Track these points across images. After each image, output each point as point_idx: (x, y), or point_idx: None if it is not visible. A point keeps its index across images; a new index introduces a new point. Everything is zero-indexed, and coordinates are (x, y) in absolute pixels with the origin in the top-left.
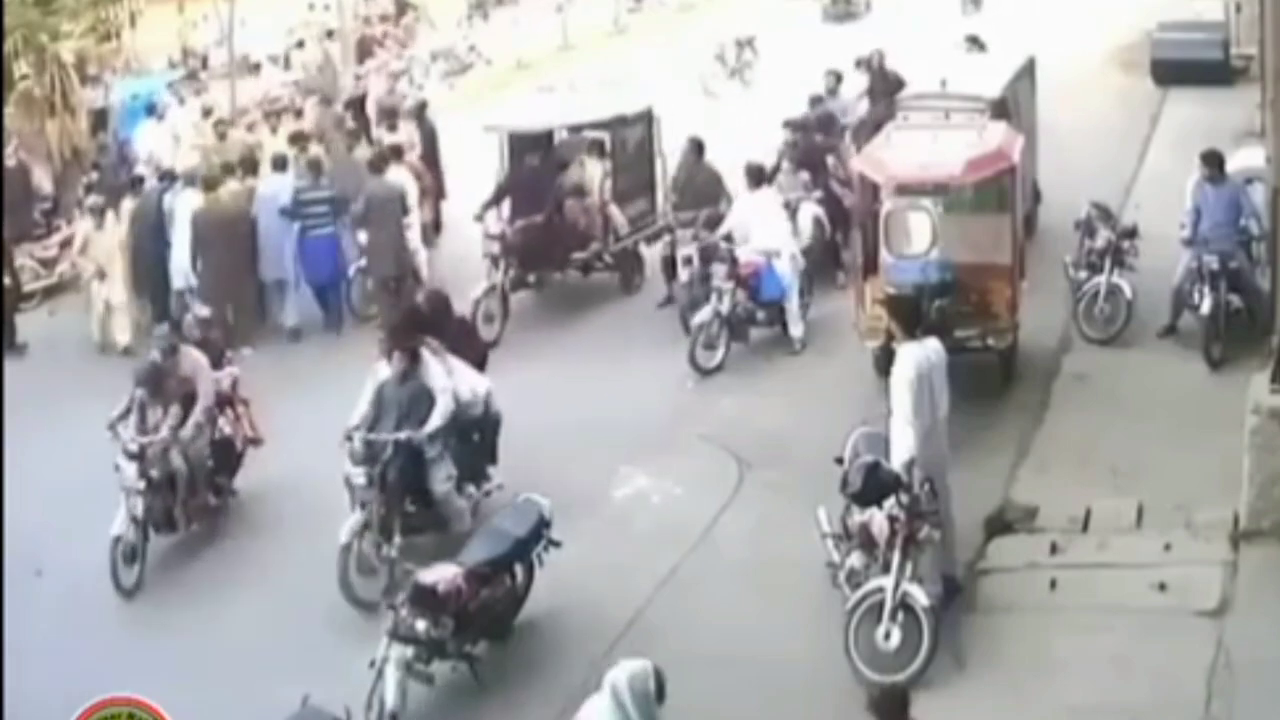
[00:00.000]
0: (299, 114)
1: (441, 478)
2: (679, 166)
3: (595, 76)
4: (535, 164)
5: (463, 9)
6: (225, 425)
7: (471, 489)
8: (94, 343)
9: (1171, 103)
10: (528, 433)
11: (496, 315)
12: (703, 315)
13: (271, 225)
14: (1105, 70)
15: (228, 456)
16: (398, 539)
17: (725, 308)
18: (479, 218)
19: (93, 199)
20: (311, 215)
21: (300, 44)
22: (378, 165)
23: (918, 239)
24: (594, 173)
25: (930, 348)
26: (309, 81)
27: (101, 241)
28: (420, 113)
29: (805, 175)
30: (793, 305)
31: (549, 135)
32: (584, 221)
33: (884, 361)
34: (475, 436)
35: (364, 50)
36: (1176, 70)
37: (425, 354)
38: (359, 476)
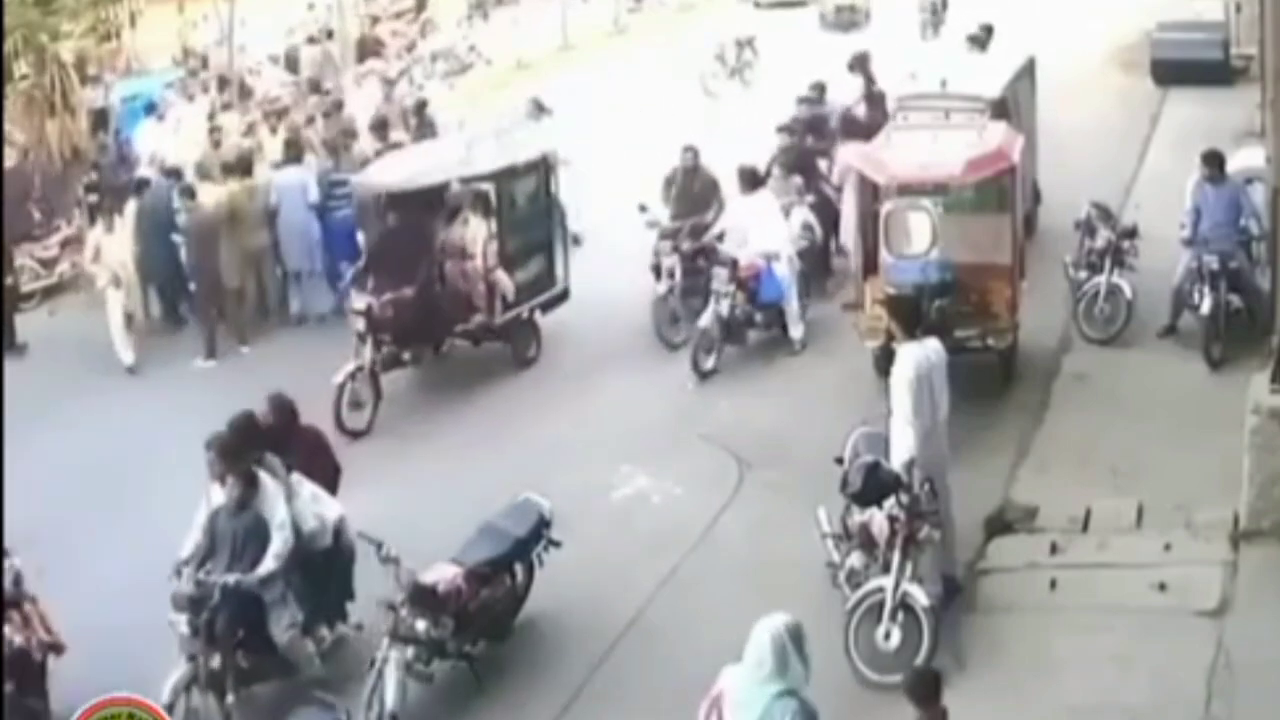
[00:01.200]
0: (310, 120)
1: (284, 624)
2: (675, 173)
3: (591, 82)
4: (409, 226)
5: (463, 9)
6: (14, 634)
7: (324, 630)
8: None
9: (1171, 103)
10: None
11: (367, 400)
12: (705, 320)
13: (295, 215)
14: (1105, 70)
15: (28, 673)
16: (230, 697)
17: (725, 310)
18: (349, 293)
19: (105, 203)
20: (334, 196)
21: (311, 40)
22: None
23: (918, 239)
24: (477, 233)
25: (930, 348)
26: (316, 76)
27: (114, 247)
28: (420, 111)
29: (798, 180)
30: (792, 306)
31: (424, 193)
32: (465, 289)
33: (884, 361)
34: (325, 571)
35: (365, 50)
36: (1176, 70)
37: (263, 478)
38: (182, 625)
